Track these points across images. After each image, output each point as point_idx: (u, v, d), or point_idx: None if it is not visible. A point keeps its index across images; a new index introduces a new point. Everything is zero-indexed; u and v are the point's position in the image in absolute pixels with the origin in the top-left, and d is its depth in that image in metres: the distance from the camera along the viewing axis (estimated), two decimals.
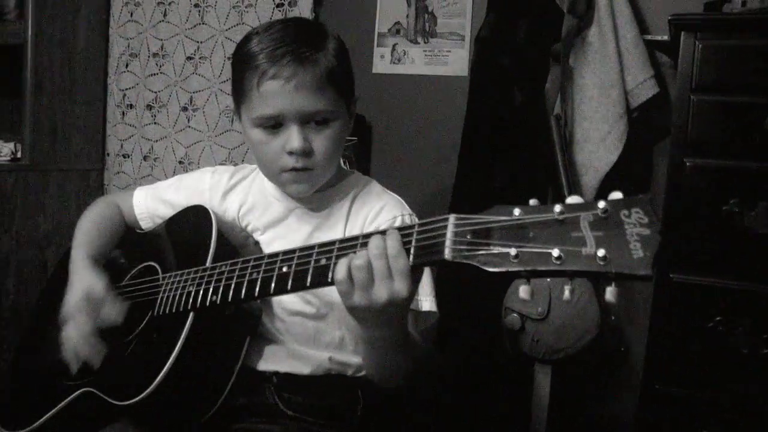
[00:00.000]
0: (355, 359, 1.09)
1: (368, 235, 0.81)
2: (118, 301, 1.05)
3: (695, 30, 1.43)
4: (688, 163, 1.43)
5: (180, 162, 2.36)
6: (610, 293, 0.66)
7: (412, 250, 0.78)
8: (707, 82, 1.42)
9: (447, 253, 0.73)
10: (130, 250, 1.18)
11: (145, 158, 2.42)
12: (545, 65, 1.80)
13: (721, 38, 1.42)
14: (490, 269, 0.69)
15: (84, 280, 1.06)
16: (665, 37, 1.76)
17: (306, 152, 1.02)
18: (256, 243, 1.13)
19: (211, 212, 1.09)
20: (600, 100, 1.74)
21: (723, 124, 1.42)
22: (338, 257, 0.82)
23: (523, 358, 1.70)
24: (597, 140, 1.75)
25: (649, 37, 1.81)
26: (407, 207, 1.12)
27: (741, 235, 1.38)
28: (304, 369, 1.08)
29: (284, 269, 0.87)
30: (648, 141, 1.87)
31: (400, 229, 0.80)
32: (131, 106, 2.44)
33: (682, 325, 1.43)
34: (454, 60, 2.09)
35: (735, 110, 1.41)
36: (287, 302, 1.07)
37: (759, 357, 1.36)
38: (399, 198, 1.14)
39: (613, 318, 1.77)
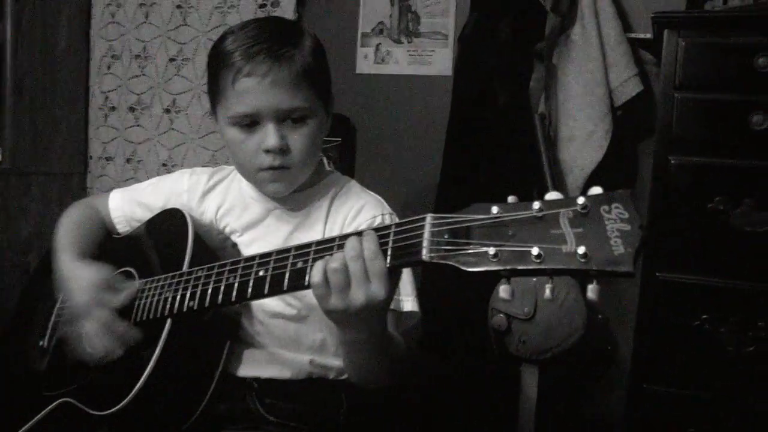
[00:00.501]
0: (337, 362, 1.07)
1: (345, 237, 0.79)
2: (126, 282, 1.03)
3: (678, 27, 1.43)
4: (672, 161, 1.43)
5: (164, 164, 2.33)
6: (591, 291, 0.65)
7: (389, 252, 0.76)
8: (690, 79, 1.42)
9: (424, 254, 0.71)
10: (106, 256, 1.16)
11: (128, 161, 2.39)
12: (529, 64, 1.80)
13: (704, 36, 1.42)
14: (469, 269, 0.68)
15: (84, 276, 1.03)
16: (648, 35, 1.76)
17: (283, 150, 1.00)
18: (234, 245, 1.11)
19: (187, 215, 1.07)
20: (584, 98, 1.74)
21: (707, 122, 1.42)
22: (315, 260, 0.81)
23: (510, 358, 1.68)
24: (582, 139, 1.74)
25: (632, 35, 1.81)
26: (387, 206, 1.11)
27: (726, 232, 1.37)
28: (285, 373, 1.06)
29: (261, 273, 0.86)
30: (632, 139, 1.87)
31: (376, 230, 0.78)
32: (114, 108, 2.41)
33: (669, 324, 1.43)
34: (438, 59, 2.08)
35: (719, 107, 1.41)
36: (267, 304, 1.06)
37: (744, 355, 1.36)
38: (379, 197, 1.13)
39: (600, 317, 1.76)
